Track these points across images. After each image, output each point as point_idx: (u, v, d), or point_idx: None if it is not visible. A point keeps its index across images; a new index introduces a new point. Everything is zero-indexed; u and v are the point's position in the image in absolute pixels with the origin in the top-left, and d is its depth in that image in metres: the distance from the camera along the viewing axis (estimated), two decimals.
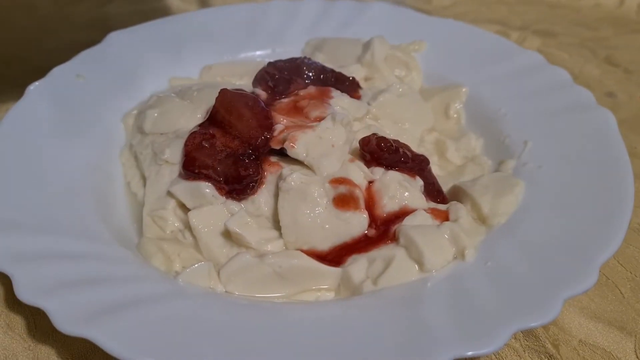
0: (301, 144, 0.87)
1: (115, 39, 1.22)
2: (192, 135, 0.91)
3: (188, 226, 0.86)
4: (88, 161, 0.98)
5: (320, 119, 0.92)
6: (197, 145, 0.89)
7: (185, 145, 0.91)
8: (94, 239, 0.84)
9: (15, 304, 0.83)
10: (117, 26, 1.28)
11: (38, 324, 0.81)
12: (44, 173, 0.92)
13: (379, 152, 0.89)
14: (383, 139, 0.90)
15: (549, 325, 0.81)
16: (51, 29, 1.55)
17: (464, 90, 1.15)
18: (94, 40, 1.24)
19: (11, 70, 1.37)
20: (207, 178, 0.88)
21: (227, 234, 0.85)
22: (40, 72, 1.11)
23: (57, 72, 1.11)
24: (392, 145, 0.90)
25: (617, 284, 0.88)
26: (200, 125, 0.94)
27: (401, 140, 1.02)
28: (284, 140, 0.88)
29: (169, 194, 0.90)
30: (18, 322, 0.82)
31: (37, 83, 1.07)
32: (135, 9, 1.63)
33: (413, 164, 0.92)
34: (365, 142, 0.92)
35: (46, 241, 0.80)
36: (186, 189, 0.89)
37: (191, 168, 0.89)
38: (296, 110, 0.95)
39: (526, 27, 1.59)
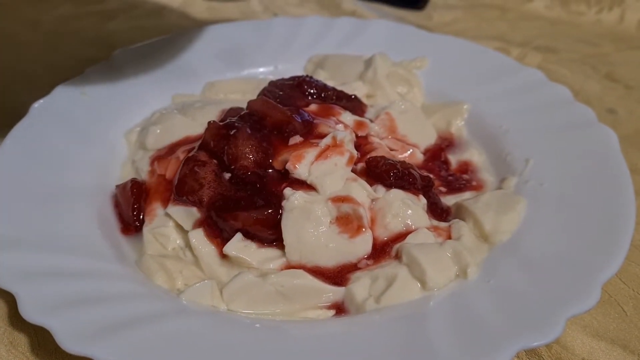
0: (303, 164, 0.88)
1: (119, 56, 1.23)
2: (186, 159, 0.92)
3: (189, 244, 0.87)
4: (91, 178, 0.99)
5: (323, 136, 0.92)
6: (188, 171, 0.90)
7: (180, 170, 0.92)
8: (98, 256, 0.84)
9: (18, 322, 0.83)
10: (120, 42, 1.30)
11: (41, 342, 0.81)
12: (48, 190, 0.92)
13: (387, 179, 0.90)
14: (392, 165, 0.91)
15: (552, 343, 0.81)
16: (55, 45, 1.56)
17: (465, 107, 1.15)
18: (97, 56, 1.26)
19: (15, 85, 1.38)
20: (194, 204, 0.89)
21: None
22: (44, 87, 1.12)
23: (61, 89, 1.12)
24: (399, 172, 0.90)
25: (619, 302, 0.88)
26: (197, 148, 0.95)
27: (406, 157, 1.03)
28: (286, 161, 0.88)
29: (167, 214, 0.91)
30: (21, 340, 0.82)
31: (41, 101, 1.08)
32: (138, 25, 1.64)
33: (419, 185, 0.92)
34: (373, 163, 0.92)
35: (50, 259, 0.80)
36: (182, 211, 0.90)
37: (180, 192, 0.89)
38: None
39: (527, 44, 1.59)
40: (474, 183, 1.02)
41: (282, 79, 1.10)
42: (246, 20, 1.44)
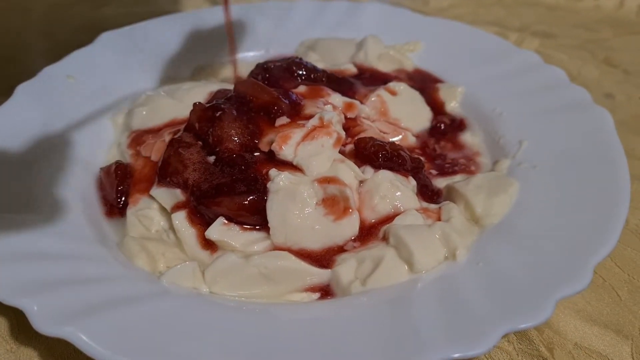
0: (289, 145, 0.86)
1: (106, 39, 1.21)
2: (171, 141, 0.90)
3: (172, 226, 0.85)
4: (75, 160, 0.97)
5: (310, 117, 0.90)
6: (173, 152, 0.88)
7: (165, 150, 0.90)
8: (79, 239, 0.83)
9: None
10: (111, 28, 1.28)
11: (21, 325, 0.80)
12: (29, 172, 0.90)
13: (376, 160, 0.88)
14: (381, 146, 0.89)
15: (544, 328, 0.79)
16: (46, 32, 1.54)
17: (459, 90, 1.13)
18: (88, 42, 1.24)
19: (6, 72, 1.36)
20: (178, 186, 0.87)
21: None
22: (34, 73, 1.10)
23: (47, 72, 1.10)
24: (388, 153, 0.88)
25: (614, 286, 0.86)
26: (182, 130, 0.93)
27: (397, 139, 1.01)
28: (272, 142, 0.86)
29: (151, 196, 0.89)
30: (0, 323, 0.80)
31: (26, 83, 1.06)
32: (130, 11, 1.62)
33: (409, 166, 0.90)
34: (361, 144, 0.90)
35: (28, 240, 0.79)
36: (165, 193, 0.88)
37: (164, 174, 0.88)
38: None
39: (524, 29, 1.57)
40: (467, 165, 1.00)
41: (272, 61, 1.07)
42: (238, 4, 1.41)
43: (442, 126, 1.05)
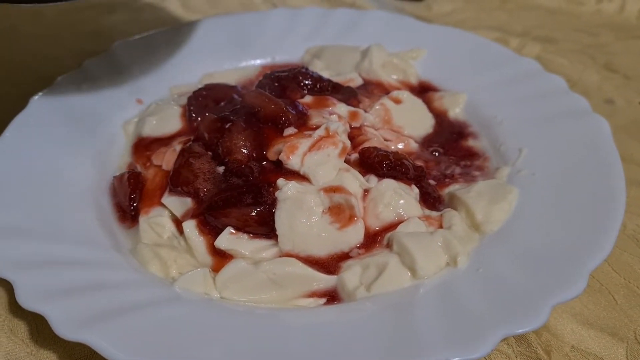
0: (296, 155, 0.89)
1: (119, 48, 1.25)
2: (182, 151, 0.94)
3: (183, 233, 0.88)
4: (89, 168, 1.00)
5: (316, 128, 0.93)
6: (183, 162, 0.91)
7: (176, 160, 0.93)
8: (94, 246, 0.86)
9: (18, 310, 0.85)
10: (120, 35, 1.31)
11: (40, 329, 0.83)
12: (46, 181, 0.94)
13: (380, 169, 0.91)
14: (384, 156, 0.92)
15: (542, 331, 0.82)
16: (56, 38, 1.57)
17: (462, 97, 1.16)
18: (97, 48, 1.27)
19: (16, 77, 1.40)
20: (188, 195, 0.90)
21: None
22: (44, 79, 1.14)
23: (61, 81, 1.14)
24: (391, 162, 0.91)
25: (610, 290, 0.89)
26: (193, 140, 0.96)
27: (401, 146, 1.03)
28: (279, 152, 0.89)
29: (162, 204, 0.92)
30: (21, 327, 0.84)
31: (41, 93, 1.09)
32: (138, 17, 1.65)
33: (412, 175, 0.93)
34: (366, 154, 0.93)
35: (48, 248, 0.82)
36: (176, 202, 0.91)
37: (175, 183, 0.91)
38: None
39: (526, 34, 1.59)
40: (469, 172, 1.03)
41: (278, 71, 1.10)
42: (244, 12, 1.44)
43: (437, 154, 1.07)
